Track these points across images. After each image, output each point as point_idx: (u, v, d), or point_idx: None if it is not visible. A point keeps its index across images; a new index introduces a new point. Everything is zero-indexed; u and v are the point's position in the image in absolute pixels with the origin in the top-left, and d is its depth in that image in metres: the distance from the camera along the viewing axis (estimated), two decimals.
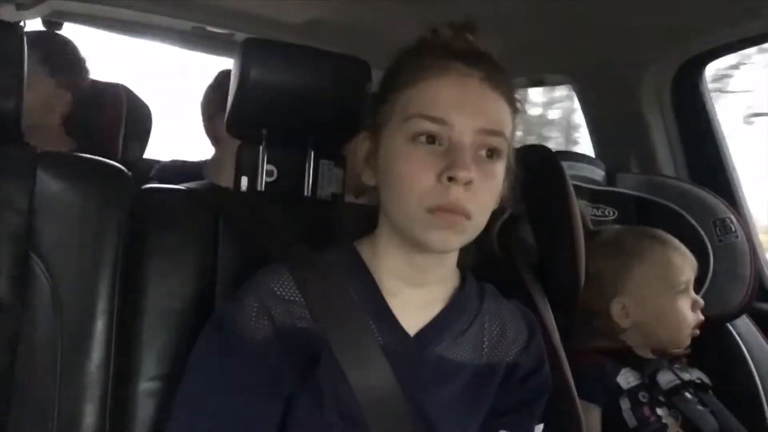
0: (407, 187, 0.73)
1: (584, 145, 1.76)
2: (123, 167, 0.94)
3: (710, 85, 1.56)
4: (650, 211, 1.31)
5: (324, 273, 0.79)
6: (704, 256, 1.25)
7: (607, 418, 1.06)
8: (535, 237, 1.10)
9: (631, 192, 1.36)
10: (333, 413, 0.75)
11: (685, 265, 1.14)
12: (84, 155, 0.96)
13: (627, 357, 1.12)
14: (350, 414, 0.74)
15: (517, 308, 0.88)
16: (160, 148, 2.04)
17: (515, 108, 0.79)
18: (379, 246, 0.81)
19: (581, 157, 1.40)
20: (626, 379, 1.09)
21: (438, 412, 0.78)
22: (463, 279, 0.85)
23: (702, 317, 1.13)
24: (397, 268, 0.80)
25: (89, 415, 0.84)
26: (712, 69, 1.56)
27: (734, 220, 1.28)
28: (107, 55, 1.60)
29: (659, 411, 1.07)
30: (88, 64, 1.61)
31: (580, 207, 1.22)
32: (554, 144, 2.76)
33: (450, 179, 0.71)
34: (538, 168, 1.09)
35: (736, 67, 1.90)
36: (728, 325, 1.28)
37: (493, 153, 0.75)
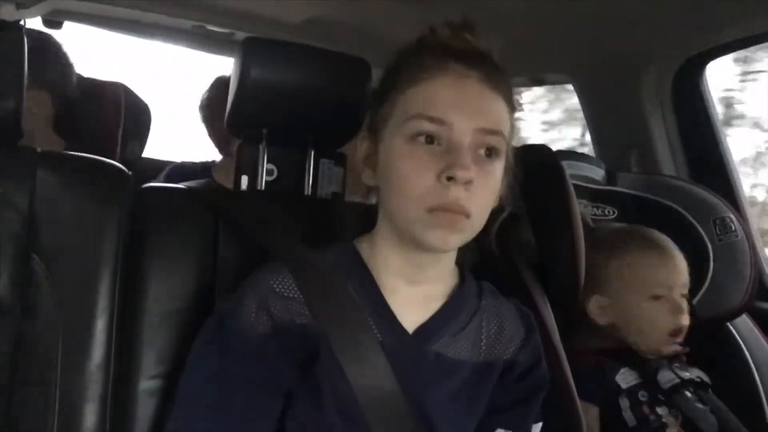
0: (407, 186, 0.74)
1: None
2: (123, 167, 0.94)
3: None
4: (650, 211, 1.31)
5: (323, 271, 0.79)
6: (704, 256, 1.25)
7: (607, 418, 1.06)
8: (535, 237, 1.10)
9: (631, 191, 1.36)
10: (332, 410, 0.75)
11: (666, 269, 1.12)
12: (84, 155, 0.96)
13: (626, 356, 1.12)
14: (349, 411, 0.75)
15: (515, 306, 0.88)
16: (159, 147, 2.04)
17: (514, 107, 0.79)
18: (378, 244, 0.81)
19: (581, 157, 1.40)
20: (625, 378, 1.09)
21: (436, 409, 0.79)
22: (461, 277, 0.85)
23: (684, 323, 1.11)
24: (396, 266, 0.80)
25: (89, 414, 0.85)
26: None
27: (734, 219, 1.28)
28: (107, 53, 1.59)
29: (659, 410, 1.07)
30: (72, 59, 1.57)
31: (579, 206, 1.22)
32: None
33: (449, 179, 0.71)
34: (538, 167, 1.09)
35: None
36: (728, 324, 1.28)
37: (491, 152, 0.75)
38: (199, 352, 0.78)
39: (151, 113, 1.90)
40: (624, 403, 1.07)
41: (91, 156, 0.96)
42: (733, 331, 1.28)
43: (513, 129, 0.80)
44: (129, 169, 0.95)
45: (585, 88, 1.70)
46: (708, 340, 1.23)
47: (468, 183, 0.72)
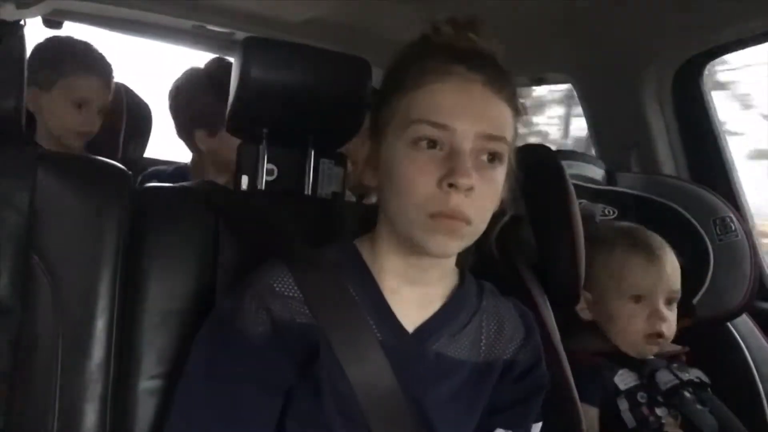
0: (408, 192, 0.73)
1: None
2: (123, 167, 0.94)
3: None
4: (650, 211, 1.31)
5: (323, 270, 0.79)
6: (704, 255, 1.25)
7: (607, 419, 1.06)
8: (535, 237, 1.10)
9: (631, 191, 1.36)
10: (332, 409, 0.75)
11: (650, 272, 1.11)
12: (84, 155, 0.96)
13: (625, 357, 1.12)
14: (349, 409, 0.75)
15: (515, 306, 0.88)
16: (160, 147, 2.04)
17: (518, 110, 0.78)
18: (378, 245, 0.81)
19: (581, 157, 1.40)
20: (623, 379, 1.09)
21: (436, 408, 0.79)
22: (461, 277, 0.85)
23: (661, 330, 1.09)
24: (396, 266, 0.80)
25: (90, 414, 0.85)
26: None
27: (734, 219, 1.28)
28: (107, 53, 1.59)
29: (658, 411, 1.07)
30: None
31: (587, 206, 1.22)
32: None
33: (450, 186, 0.71)
34: (538, 168, 1.09)
35: None
36: (728, 324, 1.28)
37: (494, 158, 0.75)
38: (199, 351, 0.78)
39: (152, 113, 1.90)
40: (623, 404, 1.07)
41: (91, 156, 0.96)
42: (733, 331, 1.28)
43: (516, 133, 0.79)
44: (130, 169, 0.95)
45: (585, 88, 1.70)
46: (708, 340, 1.24)
47: (469, 190, 0.71)
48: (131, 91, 1.84)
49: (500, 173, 0.76)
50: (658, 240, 1.15)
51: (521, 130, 0.80)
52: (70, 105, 1.48)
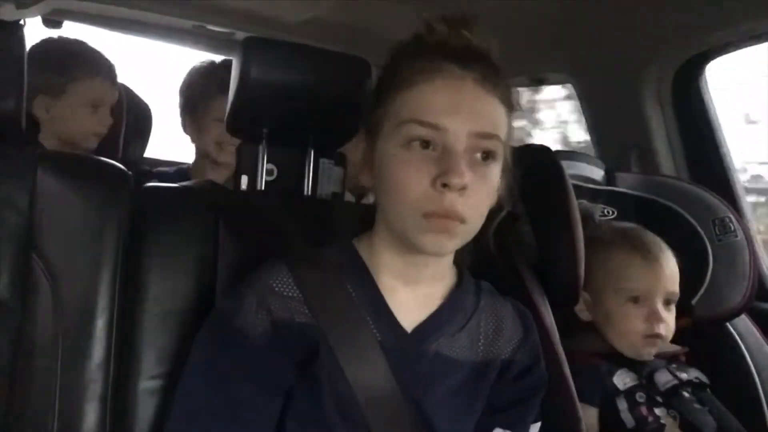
0: (402, 192, 0.74)
1: None
2: (123, 167, 0.94)
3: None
4: (650, 211, 1.31)
5: (322, 270, 0.79)
6: (704, 256, 1.25)
7: (605, 419, 1.06)
8: (535, 237, 1.10)
9: (630, 191, 1.36)
10: (331, 408, 0.75)
11: (647, 274, 1.10)
12: (84, 155, 0.96)
13: (623, 357, 1.12)
14: (348, 409, 0.75)
15: (514, 306, 0.89)
16: (160, 147, 2.04)
17: (511, 107, 0.78)
18: (376, 244, 0.81)
19: (581, 157, 1.40)
20: (622, 379, 1.08)
21: (434, 408, 0.79)
22: (460, 276, 0.85)
23: (659, 331, 1.09)
24: (394, 265, 0.80)
25: (90, 414, 0.85)
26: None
27: (734, 219, 1.28)
28: (107, 53, 1.60)
29: (657, 411, 1.06)
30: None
31: (586, 206, 1.22)
32: None
33: (444, 185, 0.71)
34: (537, 168, 1.09)
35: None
36: (728, 324, 1.28)
37: (488, 155, 0.75)
38: (198, 351, 0.78)
39: (152, 113, 1.90)
40: (622, 404, 1.07)
41: (91, 156, 0.96)
42: (733, 331, 1.28)
43: (511, 129, 0.79)
44: (130, 169, 0.95)
45: (585, 88, 1.70)
46: (707, 341, 1.23)
47: (462, 189, 0.71)
48: (131, 91, 1.84)
49: (494, 170, 0.76)
50: (656, 241, 1.15)
51: (516, 125, 0.80)
52: (86, 108, 1.48)
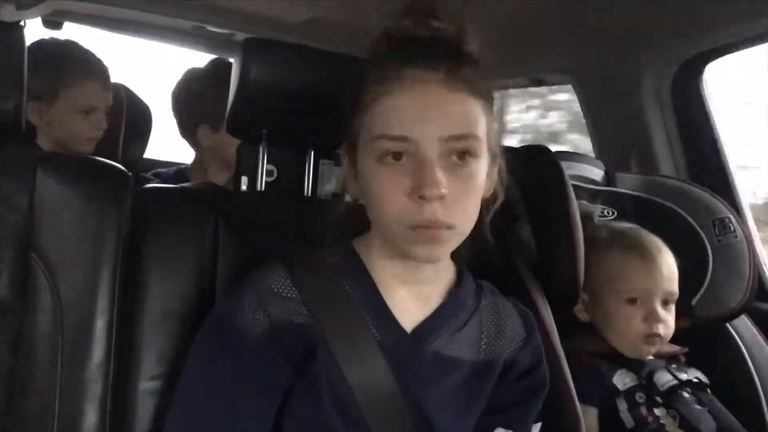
0: (383, 207, 0.73)
1: None
2: (123, 167, 0.94)
3: None
4: (649, 211, 1.31)
5: (321, 270, 0.79)
6: (703, 256, 1.25)
7: (605, 420, 1.06)
8: (534, 237, 1.10)
9: (630, 192, 1.36)
10: (330, 408, 0.75)
11: (645, 274, 1.10)
12: (84, 156, 0.96)
13: (623, 358, 1.12)
14: (347, 409, 0.75)
15: (516, 307, 0.89)
16: (160, 148, 2.04)
17: (487, 96, 0.76)
18: (373, 246, 0.82)
19: (581, 157, 1.40)
20: (622, 380, 1.09)
21: (435, 408, 0.79)
22: (460, 276, 0.85)
23: (658, 331, 1.09)
24: (392, 266, 0.80)
25: (90, 414, 0.85)
26: None
27: (733, 219, 1.28)
28: (107, 54, 1.60)
29: (657, 411, 1.07)
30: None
31: (587, 207, 1.22)
32: None
33: (421, 197, 0.70)
34: (537, 168, 1.09)
35: None
36: (727, 324, 1.28)
37: (465, 154, 0.73)
38: (198, 351, 0.78)
39: (152, 114, 1.91)
40: (622, 404, 1.07)
41: (91, 157, 0.96)
42: (732, 331, 1.28)
43: (491, 119, 0.76)
44: (130, 170, 0.95)
45: (585, 88, 1.70)
46: (707, 341, 1.24)
47: (441, 198, 0.70)
48: (131, 91, 1.84)
49: (476, 167, 0.74)
50: (654, 241, 1.15)
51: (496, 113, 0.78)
52: (78, 114, 1.48)
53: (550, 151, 1.14)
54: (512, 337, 0.86)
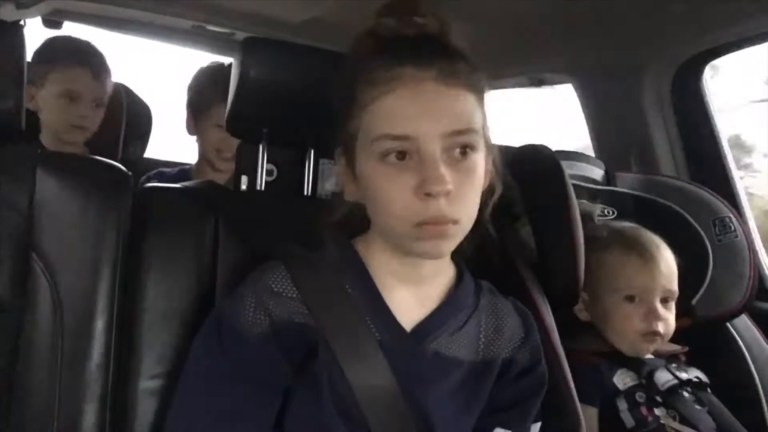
0: (388, 206, 0.73)
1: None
2: (123, 167, 0.94)
3: None
4: (649, 211, 1.31)
5: (320, 269, 0.79)
6: (704, 256, 1.25)
7: (605, 419, 1.06)
8: (534, 237, 1.10)
9: (630, 191, 1.36)
10: (330, 408, 0.75)
11: (644, 272, 1.11)
12: (84, 155, 0.96)
13: (623, 357, 1.12)
14: (348, 409, 0.75)
15: (515, 306, 0.89)
16: (160, 147, 2.04)
17: (480, 89, 0.76)
18: (373, 246, 0.82)
19: (581, 157, 1.40)
20: (622, 379, 1.09)
21: (434, 407, 0.79)
22: (459, 276, 0.85)
23: (657, 329, 1.09)
24: (392, 266, 0.80)
25: (90, 414, 0.85)
26: None
27: (733, 219, 1.28)
28: (107, 54, 1.60)
29: (657, 411, 1.06)
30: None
31: (587, 206, 1.22)
32: None
33: (427, 194, 0.70)
34: (537, 168, 1.09)
35: None
36: (728, 324, 1.28)
37: (467, 148, 0.74)
38: (198, 351, 0.78)
39: (152, 114, 1.90)
40: (622, 404, 1.07)
41: (91, 156, 0.96)
42: (733, 331, 1.28)
43: (483, 112, 0.77)
44: (130, 170, 0.95)
45: (585, 88, 1.70)
46: (707, 341, 1.23)
47: (447, 194, 0.71)
48: (131, 91, 1.84)
49: (477, 160, 0.75)
50: (653, 239, 1.15)
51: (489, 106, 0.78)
52: (62, 98, 1.48)
53: (550, 150, 1.14)
54: (510, 337, 0.86)
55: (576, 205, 1.09)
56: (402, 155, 0.72)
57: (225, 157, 1.49)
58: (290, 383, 0.77)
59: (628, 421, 1.06)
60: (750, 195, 1.65)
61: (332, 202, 1.06)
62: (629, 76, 1.56)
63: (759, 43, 1.40)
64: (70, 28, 1.82)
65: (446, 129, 0.72)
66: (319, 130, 1.02)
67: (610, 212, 1.31)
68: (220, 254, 0.92)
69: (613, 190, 1.36)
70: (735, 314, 1.26)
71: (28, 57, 0.99)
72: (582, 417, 0.94)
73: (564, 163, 1.12)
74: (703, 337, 1.19)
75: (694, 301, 1.22)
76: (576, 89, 1.72)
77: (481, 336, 0.84)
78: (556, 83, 1.87)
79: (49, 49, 1.51)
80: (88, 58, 1.52)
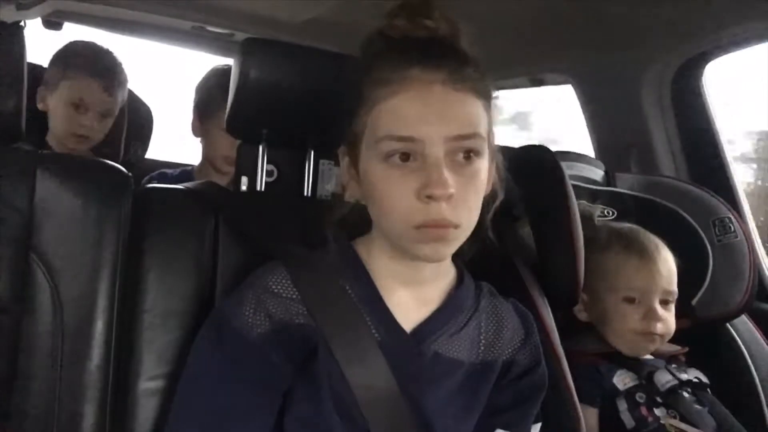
0: (389, 207, 0.73)
1: None
2: (122, 168, 0.94)
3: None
4: (649, 211, 1.31)
5: (321, 271, 0.79)
6: (703, 256, 1.25)
7: (605, 420, 1.06)
8: (534, 237, 1.10)
9: (630, 192, 1.36)
10: (330, 409, 0.75)
11: (643, 273, 1.11)
12: (84, 156, 0.96)
13: (623, 358, 1.12)
14: (348, 409, 0.75)
15: (515, 307, 0.89)
16: (161, 148, 2.04)
17: (487, 95, 0.76)
18: (374, 246, 0.82)
19: (581, 157, 1.40)
20: (622, 380, 1.09)
21: (434, 408, 0.79)
22: (460, 277, 0.85)
23: (656, 330, 1.09)
24: (392, 267, 0.80)
25: (89, 414, 0.85)
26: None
27: (733, 219, 1.28)
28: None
29: (657, 411, 1.07)
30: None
31: (587, 207, 1.23)
32: None
33: (429, 197, 0.70)
34: (537, 168, 1.09)
35: None
36: (727, 325, 1.28)
37: (471, 153, 0.73)
38: (198, 352, 0.78)
39: (153, 115, 1.90)
40: (622, 404, 1.07)
41: (91, 157, 0.96)
42: (733, 332, 1.28)
43: (491, 117, 0.77)
44: (132, 171, 0.95)
45: (585, 89, 1.70)
46: (707, 341, 1.24)
47: (449, 197, 0.71)
48: (132, 92, 1.84)
49: (480, 165, 0.75)
50: (652, 240, 1.15)
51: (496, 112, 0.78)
52: (69, 106, 1.47)
53: (550, 151, 1.14)
54: (511, 338, 0.86)
55: (576, 205, 1.09)
56: (406, 157, 0.72)
57: (231, 161, 1.49)
58: (290, 384, 0.77)
59: (628, 421, 1.06)
60: None
61: (332, 203, 1.06)
62: (629, 76, 1.56)
63: (759, 43, 1.40)
64: (71, 29, 1.83)
65: (451, 133, 0.72)
66: (319, 131, 1.03)
67: (610, 213, 1.31)
68: (220, 255, 0.92)
69: (612, 191, 1.36)
70: (735, 315, 1.26)
71: (30, 58, 0.99)
72: (582, 417, 0.94)
73: (564, 164, 1.12)
74: (703, 337, 1.20)
75: (694, 302, 1.22)
76: (576, 89, 1.72)
77: (482, 337, 0.84)
78: (555, 83, 1.87)
79: (65, 53, 1.50)
80: (101, 70, 1.51)
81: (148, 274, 0.89)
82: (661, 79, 1.54)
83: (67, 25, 1.82)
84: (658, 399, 1.08)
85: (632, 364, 1.11)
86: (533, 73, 1.78)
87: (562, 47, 1.60)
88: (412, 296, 0.81)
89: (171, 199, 0.96)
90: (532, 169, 1.10)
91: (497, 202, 0.82)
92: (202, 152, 1.60)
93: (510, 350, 0.85)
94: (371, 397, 0.75)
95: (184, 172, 1.63)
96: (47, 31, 1.80)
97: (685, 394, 1.11)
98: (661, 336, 1.10)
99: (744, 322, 1.30)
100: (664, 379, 1.10)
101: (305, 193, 1.06)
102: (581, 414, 0.95)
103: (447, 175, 0.71)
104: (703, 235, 1.27)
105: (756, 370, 1.24)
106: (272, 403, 0.76)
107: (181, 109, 1.68)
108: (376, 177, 0.74)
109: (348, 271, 0.80)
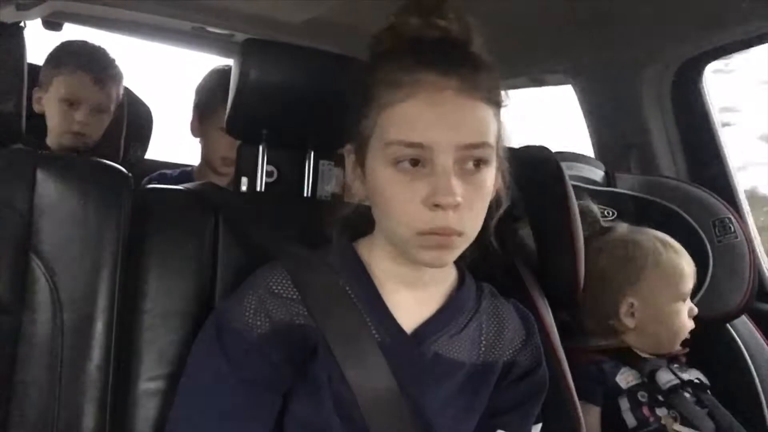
0: (395, 212, 0.73)
1: None
2: (122, 168, 0.94)
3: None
4: (649, 212, 1.31)
5: (321, 271, 0.79)
6: (704, 257, 1.25)
7: (607, 418, 1.07)
8: (534, 237, 1.10)
9: (630, 192, 1.36)
10: (330, 409, 0.75)
11: (691, 274, 1.15)
12: (84, 157, 0.96)
13: (625, 356, 1.12)
14: (348, 410, 0.75)
15: (515, 308, 0.89)
16: (161, 148, 2.04)
17: (498, 103, 0.76)
18: (375, 248, 0.81)
19: (581, 158, 1.40)
20: (625, 378, 1.09)
21: (434, 409, 0.79)
22: (461, 278, 0.85)
23: (693, 324, 1.14)
24: (393, 269, 0.80)
25: (89, 415, 0.85)
26: None
27: (733, 220, 1.28)
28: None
29: (658, 411, 1.07)
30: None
31: (589, 206, 1.23)
32: None
33: (436, 205, 0.70)
34: (537, 168, 1.09)
35: None
36: (728, 325, 1.28)
37: (479, 162, 0.73)
38: (198, 352, 0.78)
39: (153, 115, 1.91)
40: (624, 403, 1.07)
41: (91, 158, 0.96)
42: (733, 332, 1.28)
43: (501, 126, 0.76)
44: (132, 171, 0.95)
45: (585, 89, 1.70)
46: (707, 341, 1.24)
47: (456, 206, 0.70)
48: (132, 92, 1.84)
49: (488, 174, 0.74)
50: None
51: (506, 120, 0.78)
52: (62, 103, 1.47)
53: (550, 151, 1.14)
54: (512, 339, 0.86)
55: (576, 205, 1.09)
56: (415, 162, 0.71)
57: (229, 162, 1.48)
58: (290, 384, 0.77)
59: (630, 420, 1.06)
60: None
61: (332, 204, 1.06)
62: (629, 76, 1.56)
63: (759, 44, 1.40)
64: (71, 30, 1.83)
65: (462, 141, 0.71)
66: (319, 132, 1.03)
67: (610, 213, 1.31)
68: (220, 255, 0.92)
69: (613, 191, 1.36)
70: (735, 315, 1.26)
71: (30, 59, 0.99)
72: (582, 418, 0.94)
73: (564, 164, 1.12)
74: (703, 337, 1.19)
75: (694, 302, 1.22)
76: (576, 90, 1.72)
77: (483, 338, 0.84)
78: (555, 84, 1.87)
79: (58, 53, 1.51)
80: (91, 63, 1.50)
81: (148, 274, 0.89)
82: (661, 79, 1.54)
83: (67, 26, 1.82)
84: (660, 398, 1.08)
85: (635, 362, 1.12)
86: (533, 73, 1.78)
87: (562, 47, 1.60)
88: (413, 297, 0.81)
89: (171, 200, 0.96)
90: (532, 169, 1.09)
91: (501, 209, 0.82)
92: (201, 153, 1.61)
93: (511, 351, 0.85)
94: (371, 398, 0.75)
95: (183, 173, 1.63)
96: (47, 31, 1.80)
97: (686, 395, 1.11)
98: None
99: (744, 322, 1.30)
100: (665, 378, 1.11)
101: (305, 194, 1.06)
102: (581, 414, 0.95)
103: (455, 183, 0.70)
104: (703, 235, 1.27)
105: (756, 370, 1.24)
106: (272, 403, 0.76)
107: (180, 109, 1.68)
108: (384, 180, 0.73)
109: (348, 272, 0.80)
